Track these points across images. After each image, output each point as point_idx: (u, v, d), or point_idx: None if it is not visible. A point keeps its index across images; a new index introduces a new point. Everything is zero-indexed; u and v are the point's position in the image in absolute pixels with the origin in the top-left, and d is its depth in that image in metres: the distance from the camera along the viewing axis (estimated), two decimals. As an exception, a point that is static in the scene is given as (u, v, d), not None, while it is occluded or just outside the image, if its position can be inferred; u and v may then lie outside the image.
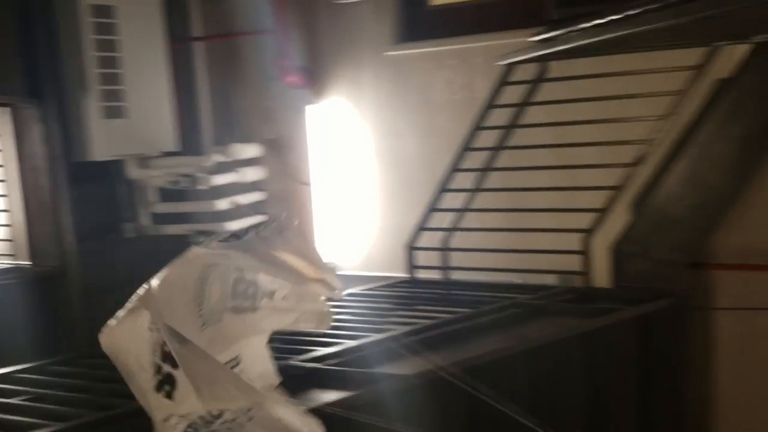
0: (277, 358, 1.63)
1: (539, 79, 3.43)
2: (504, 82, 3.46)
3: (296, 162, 4.78)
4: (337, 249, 4.70)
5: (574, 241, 3.34)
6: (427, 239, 3.73)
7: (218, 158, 4.52)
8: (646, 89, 3.17)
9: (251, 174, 4.77)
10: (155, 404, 1.35)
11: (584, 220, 3.34)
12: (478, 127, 3.52)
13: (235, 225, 4.60)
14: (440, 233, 3.65)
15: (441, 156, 3.85)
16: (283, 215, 1.66)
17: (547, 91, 3.53)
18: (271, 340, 1.58)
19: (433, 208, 3.65)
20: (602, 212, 3.28)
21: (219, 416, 1.35)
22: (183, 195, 4.58)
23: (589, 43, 2.63)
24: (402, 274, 3.81)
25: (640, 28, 2.30)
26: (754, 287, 3.38)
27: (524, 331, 2.86)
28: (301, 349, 2.47)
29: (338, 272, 4.76)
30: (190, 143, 4.63)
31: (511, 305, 3.08)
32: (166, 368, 1.32)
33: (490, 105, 3.47)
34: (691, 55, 3.11)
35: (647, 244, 3.23)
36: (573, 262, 3.37)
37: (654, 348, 3.06)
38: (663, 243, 3.20)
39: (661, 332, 3.07)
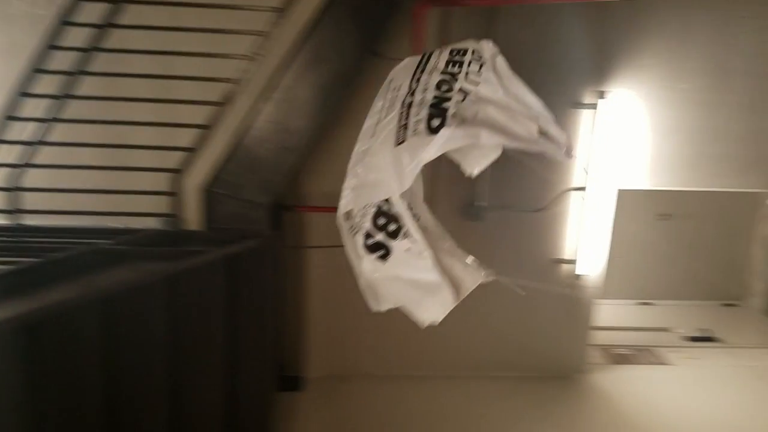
0: None
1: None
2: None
3: None
4: None
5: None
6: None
7: None
8: (237, 27, 3.10)
9: None
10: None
11: (179, 160, 3.17)
12: (51, 47, 3.01)
13: None
14: (9, 170, 3.09)
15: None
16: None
17: (140, 16, 3.20)
18: None
19: (-6, 139, 3.06)
20: (192, 152, 3.15)
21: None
22: None
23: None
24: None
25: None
26: (335, 227, 3.70)
27: (102, 278, 2.60)
28: None
29: None
30: None
31: (91, 252, 2.78)
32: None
33: (63, 21, 2.99)
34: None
35: (238, 186, 3.23)
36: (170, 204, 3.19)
37: (241, 286, 3.09)
38: (253, 185, 3.24)
39: (248, 271, 3.11)
